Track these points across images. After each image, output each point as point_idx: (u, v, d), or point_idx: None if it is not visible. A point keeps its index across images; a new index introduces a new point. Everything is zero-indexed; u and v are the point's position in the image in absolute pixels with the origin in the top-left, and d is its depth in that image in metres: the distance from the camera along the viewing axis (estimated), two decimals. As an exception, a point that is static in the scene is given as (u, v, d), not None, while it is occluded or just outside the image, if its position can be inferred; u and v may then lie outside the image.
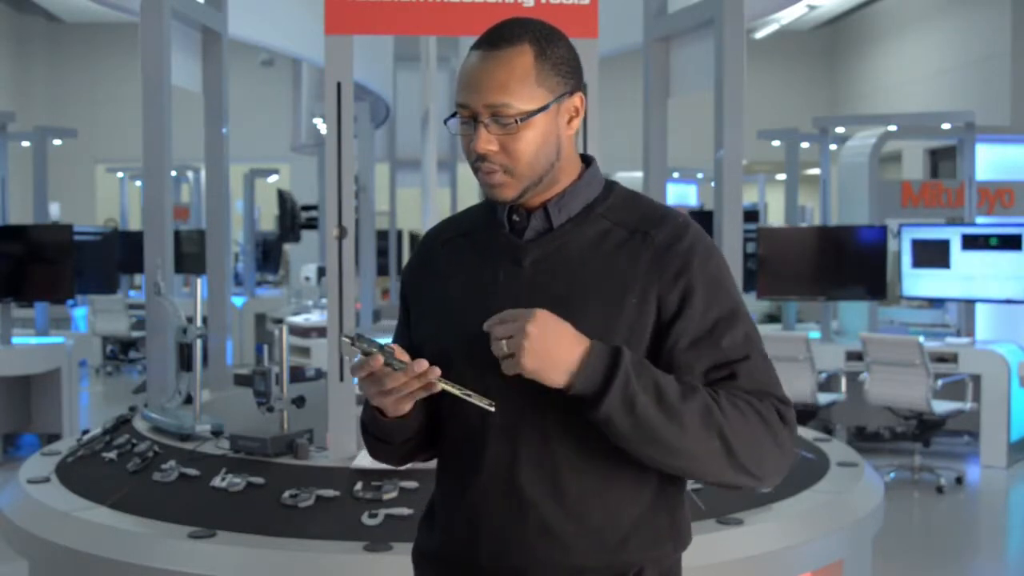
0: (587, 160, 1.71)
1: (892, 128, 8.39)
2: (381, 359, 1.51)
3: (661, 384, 1.52)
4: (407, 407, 1.58)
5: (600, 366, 1.50)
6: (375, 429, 1.70)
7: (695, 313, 1.59)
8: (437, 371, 1.51)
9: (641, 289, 1.60)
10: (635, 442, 1.52)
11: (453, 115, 1.63)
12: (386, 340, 1.61)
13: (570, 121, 1.64)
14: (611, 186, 1.71)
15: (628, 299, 1.59)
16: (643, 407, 1.49)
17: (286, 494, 2.94)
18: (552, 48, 1.61)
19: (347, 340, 1.52)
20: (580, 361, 1.50)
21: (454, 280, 1.69)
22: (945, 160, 12.62)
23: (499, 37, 1.59)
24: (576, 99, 1.64)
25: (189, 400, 3.68)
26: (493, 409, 1.54)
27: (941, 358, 7.15)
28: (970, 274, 7.46)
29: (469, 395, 1.54)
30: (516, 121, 1.57)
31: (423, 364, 1.50)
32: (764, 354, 1.63)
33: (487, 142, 1.58)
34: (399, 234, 10.14)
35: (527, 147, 1.59)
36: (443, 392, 1.55)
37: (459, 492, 1.66)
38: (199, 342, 3.59)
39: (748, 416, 1.54)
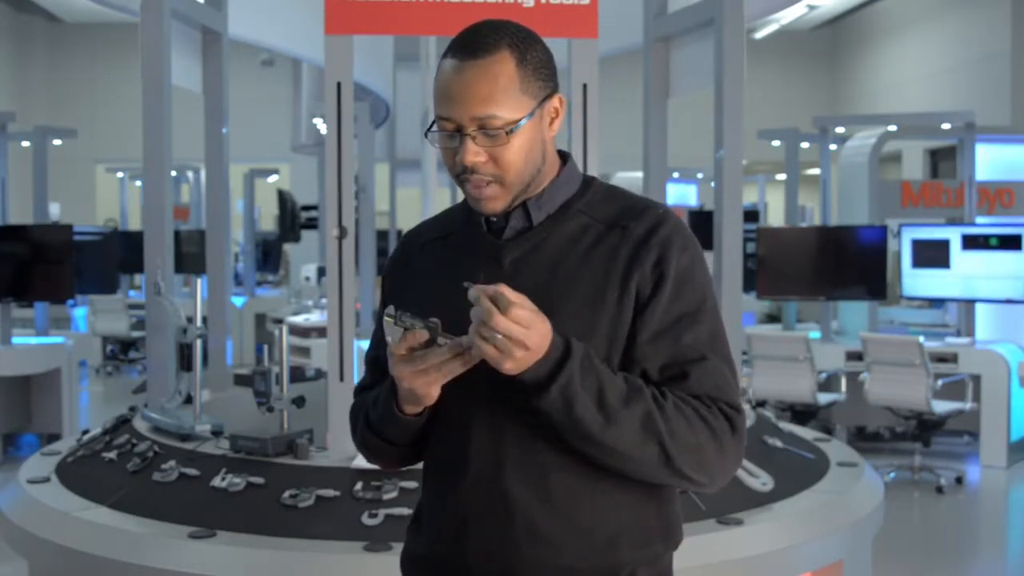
0: (564, 157, 1.70)
1: (892, 128, 8.39)
2: (425, 335, 1.49)
3: (604, 386, 1.51)
4: (437, 391, 1.55)
5: (547, 362, 1.49)
6: (386, 429, 1.66)
7: (660, 305, 1.58)
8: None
9: (621, 283, 1.59)
10: (571, 438, 1.54)
11: (431, 127, 1.60)
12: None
13: (551, 123, 1.63)
14: (589, 182, 1.70)
15: (609, 294, 1.59)
16: (581, 408, 1.50)
17: (286, 494, 2.94)
18: (530, 52, 1.58)
19: (389, 319, 1.50)
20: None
21: (436, 282, 1.68)
22: (945, 160, 12.62)
23: (476, 45, 1.56)
24: (556, 100, 1.63)
25: (189, 400, 3.67)
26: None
27: (941, 358, 7.15)
28: (970, 274, 7.46)
29: None
30: (505, 132, 1.55)
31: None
32: (725, 354, 1.62)
33: (475, 154, 1.56)
34: (399, 234, 10.14)
35: (516, 156, 1.58)
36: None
37: (446, 494, 1.65)
38: (199, 342, 3.59)
39: (693, 424, 1.54)
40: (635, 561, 1.62)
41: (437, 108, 1.58)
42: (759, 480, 3.12)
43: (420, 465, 1.78)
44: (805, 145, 8.87)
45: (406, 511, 2.81)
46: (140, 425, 3.67)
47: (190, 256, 10.40)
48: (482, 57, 1.55)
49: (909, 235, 7.75)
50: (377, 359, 1.76)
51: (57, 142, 8.47)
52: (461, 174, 1.59)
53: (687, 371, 1.57)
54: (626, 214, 1.64)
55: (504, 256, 1.63)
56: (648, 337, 1.58)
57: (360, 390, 1.80)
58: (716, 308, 1.64)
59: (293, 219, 12.63)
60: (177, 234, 9.66)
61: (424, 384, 1.53)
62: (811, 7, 14.98)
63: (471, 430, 1.61)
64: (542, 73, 1.60)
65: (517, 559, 1.60)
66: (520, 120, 1.56)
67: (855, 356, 7.26)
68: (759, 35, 15.93)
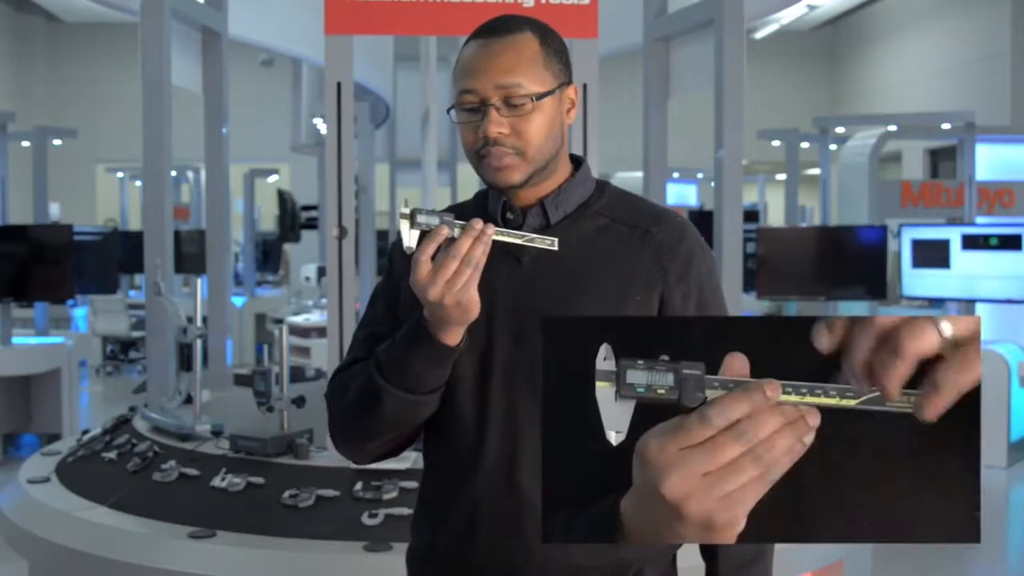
0: (577, 160, 1.71)
1: (892, 128, 8.40)
2: (445, 230, 1.43)
3: None
4: (476, 293, 1.47)
5: None
6: (410, 375, 1.54)
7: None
8: (492, 227, 1.47)
9: (644, 287, 1.60)
10: None
11: (454, 105, 1.61)
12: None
13: (568, 111, 1.65)
14: (603, 185, 1.71)
15: (631, 297, 1.59)
16: None
17: (286, 494, 2.94)
18: (551, 38, 1.63)
19: (405, 219, 1.41)
20: None
21: None
22: (945, 160, 12.63)
23: (500, 26, 1.60)
24: (571, 90, 1.65)
25: (189, 400, 3.68)
26: (556, 247, 1.49)
27: (941, 358, 7.13)
28: (970, 274, 7.46)
29: (532, 239, 1.49)
30: (532, 100, 1.56)
31: (479, 222, 1.46)
32: None
33: (499, 125, 1.56)
34: (399, 234, 10.13)
35: (538, 130, 1.58)
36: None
37: (456, 488, 1.64)
38: (199, 342, 3.59)
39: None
40: (641, 560, 1.63)
41: (461, 83, 1.59)
42: (759, 480, 3.12)
43: (422, 464, 1.77)
44: (805, 145, 8.88)
45: (406, 511, 2.81)
46: (140, 425, 3.67)
47: (190, 256, 10.39)
48: (506, 35, 1.59)
49: (909, 235, 7.75)
50: (370, 338, 1.67)
51: (57, 142, 8.48)
52: (481, 149, 1.58)
53: None
54: (645, 218, 1.65)
55: (523, 254, 1.62)
56: None
57: (343, 370, 1.69)
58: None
59: (293, 219, 12.62)
60: (177, 234, 9.66)
61: (464, 289, 1.45)
62: (811, 7, 14.99)
63: (486, 425, 1.60)
64: (561, 58, 1.63)
65: (526, 556, 1.60)
66: (544, 93, 1.58)
67: (855, 356, 7.24)
68: (759, 35, 15.93)
